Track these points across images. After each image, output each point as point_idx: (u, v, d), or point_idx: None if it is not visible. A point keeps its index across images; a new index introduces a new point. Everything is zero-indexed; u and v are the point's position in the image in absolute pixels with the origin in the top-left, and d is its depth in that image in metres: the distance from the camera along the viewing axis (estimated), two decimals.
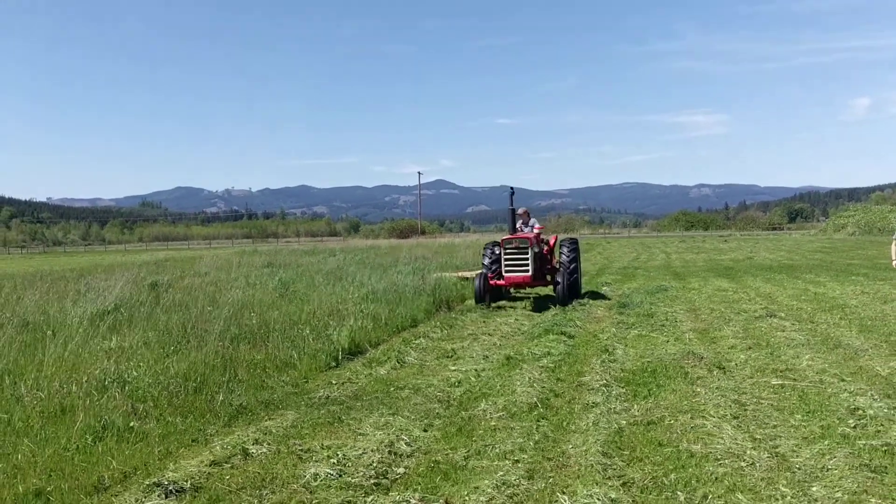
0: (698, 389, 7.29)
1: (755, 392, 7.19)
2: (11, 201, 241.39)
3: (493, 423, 6.39)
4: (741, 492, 4.65)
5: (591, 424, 6.26)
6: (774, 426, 6.05)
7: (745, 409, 6.57)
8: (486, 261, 15.70)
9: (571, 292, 14.90)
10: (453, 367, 8.89)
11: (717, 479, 4.88)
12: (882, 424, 5.88)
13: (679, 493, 4.67)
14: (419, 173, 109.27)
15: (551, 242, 16.51)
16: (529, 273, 14.28)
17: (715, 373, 8.07)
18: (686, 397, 7.01)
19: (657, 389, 7.39)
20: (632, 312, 13.34)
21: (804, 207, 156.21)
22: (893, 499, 4.45)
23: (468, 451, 5.64)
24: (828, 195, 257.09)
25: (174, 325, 10.81)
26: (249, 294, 15.23)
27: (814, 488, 4.68)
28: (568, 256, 15.37)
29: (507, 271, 14.51)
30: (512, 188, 15.85)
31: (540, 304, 15.05)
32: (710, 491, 4.67)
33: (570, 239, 16.37)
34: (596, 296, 16.51)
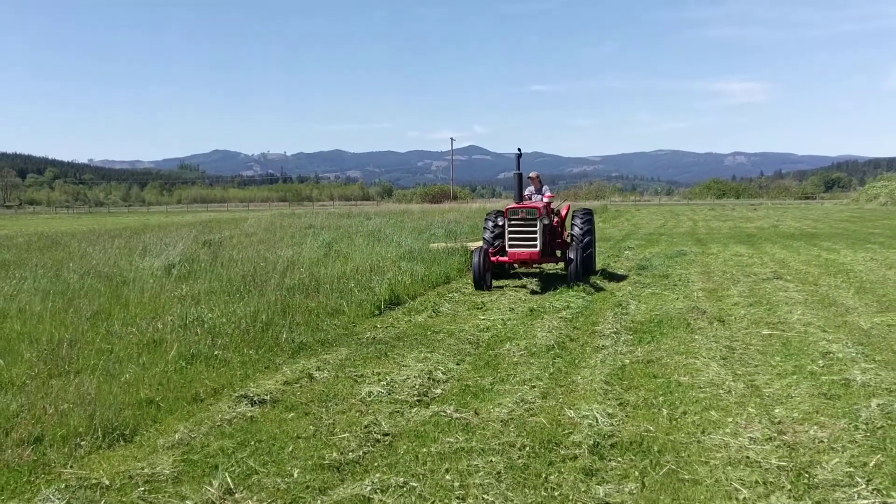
0: (696, 337, 8.36)
1: (746, 340, 8.24)
2: (54, 162, 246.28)
3: (515, 360, 7.54)
4: (714, 410, 5.74)
5: (598, 362, 7.38)
6: (755, 365, 7.11)
7: (734, 353, 7.63)
8: (488, 234, 13.86)
9: (585, 269, 13.17)
10: (482, 317, 10.04)
11: (696, 401, 5.98)
12: (846, 365, 6.91)
13: (664, 409, 5.78)
14: (451, 139, 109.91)
15: (563, 213, 14.66)
16: (538, 248, 12.44)
17: (714, 324, 9.11)
18: (684, 343, 8.09)
19: (660, 336, 8.48)
20: (649, 274, 14.35)
21: (841, 177, 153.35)
22: (838, 416, 5.51)
23: (494, 379, 6.81)
24: (866, 164, 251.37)
25: (235, 277, 12.14)
26: (297, 252, 16.49)
27: (776, 410, 5.74)
28: (581, 229, 13.71)
29: (511, 246, 12.63)
30: (519, 149, 13.83)
31: (548, 283, 13.12)
32: (688, 409, 5.78)
33: (584, 210, 14.70)
34: (618, 259, 17.50)
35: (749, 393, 6.20)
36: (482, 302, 11.25)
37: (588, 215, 14.27)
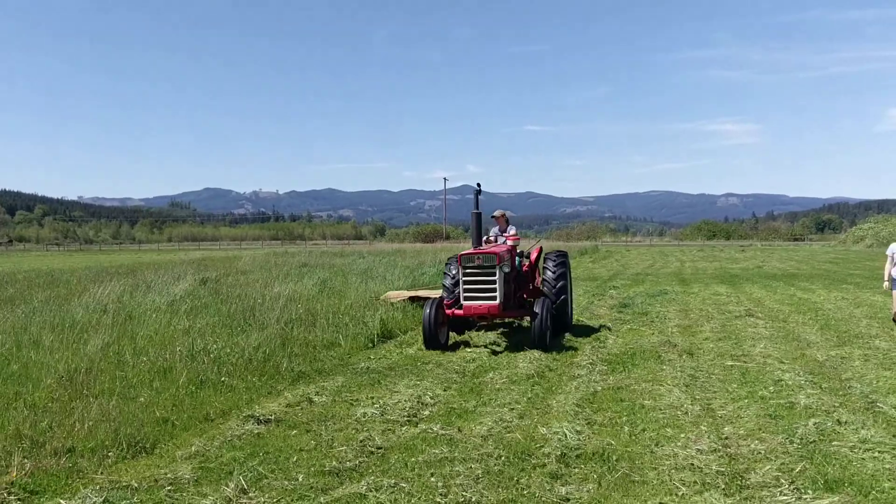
0: (664, 367, 9.11)
1: (709, 370, 8.98)
2: (44, 199, 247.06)
3: (497, 387, 8.26)
4: (670, 427, 6.47)
5: (573, 388, 8.10)
6: (714, 391, 7.85)
7: (696, 381, 8.36)
8: (448, 281, 12.16)
9: (556, 325, 11.55)
10: (469, 350, 10.75)
11: (655, 420, 6.71)
12: (793, 390, 7.66)
13: (626, 427, 6.51)
14: (444, 179, 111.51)
15: (533, 256, 12.89)
16: (498, 300, 10.60)
17: (683, 357, 9.85)
18: (652, 372, 8.84)
19: (632, 367, 9.22)
20: (629, 311, 15.12)
21: (832, 218, 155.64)
22: (778, 433, 6.23)
23: (477, 403, 7.52)
24: (857, 206, 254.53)
25: (235, 312, 12.84)
26: (293, 289, 17.20)
27: (725, 428, 6.47)
28: (554, 272, 12.03)
29: (466, 298, 10.79)
30: (479, 185, 12.24)
31: (517, 339, 11.51)
32: (647, 427, 6.50)
33: (558, 252, 12.86)
34: (602, 297, 18.29)
35: (703, 414, 6.93)
36: (469, 336, 11.97)
37: (562, 257, 12.52)
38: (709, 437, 6.11)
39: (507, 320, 13.07)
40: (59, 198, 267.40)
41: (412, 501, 4.80)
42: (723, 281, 24.19)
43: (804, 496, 4.76)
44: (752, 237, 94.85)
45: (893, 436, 6.06)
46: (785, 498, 4.75)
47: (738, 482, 5.07)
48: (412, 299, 15.02)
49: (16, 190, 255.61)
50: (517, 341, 11.10)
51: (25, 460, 5.50)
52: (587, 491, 4.98)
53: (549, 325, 10.47)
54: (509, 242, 12.03)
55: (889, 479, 5.05)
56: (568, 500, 4.85)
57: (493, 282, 10.68)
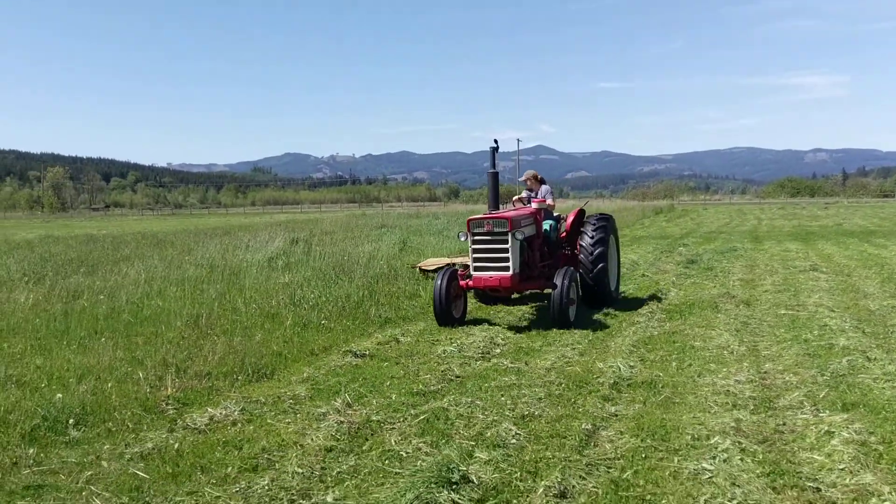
0: (719, 315, 9.87)
1: (762, 318, 9.69)
2: (136, 166, 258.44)
3: (561, 331, 9.21)
4: (715, 363, 7.31)
5: (630, 333, 9.00)
6: (762, 335, 8.60)
7: (747, 326, 9.12)
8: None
9: (593, 296, 10.73)
10: (537, 302, 11.70)
11: (703, 358, 7.56)
12: (835, 334, 8.33)
13: (674, 363, 7.39)
14: (518, 140, 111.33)
15: (569, 221, 11.41)
16: (510, 272, 9.49)
17: (740, 307, 10.55)
18: (707, 319, 9.62)
19: (688, 315, 10.02)
20: (695, 267, 15.72)
21: None
22: (811, 368, 6.99)
23: (542, 343, 8.52)
24: None
25: (326, 268, 14.16)
26: (375, 247, 18.49)
27: (766, 365, 7.26)
28: (592, 237, 10.74)
29: (476, 269, 9.74)
30: (496, 141, 11.05)
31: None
32: (694, 363, 7.36)
33: (600, 215, 11.42)
34: (670, 254, 18.85)
35: (748, 353, 7.73)
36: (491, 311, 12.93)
37: (603, 221, 11.15)
38: (748, 371, 6.93)
39: (527, 293, 11.49)
40: (150, 164, 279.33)
41: (485, 413, 5.87)
42: (797, 238, 24.23)
43: (821, 414, 5.57)
44: (838, 194, 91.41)
45: None
46: (805, 416, 5.58)
47: (766, 405, 5.92)
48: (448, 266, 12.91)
49: (110, 157, 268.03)
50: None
51: (175, 380, 6.85)
52: (633, 409, 5.94)
53: (571, 298, 9.36)
54: (533, 205, 10.88)
55: None
56: (616, 415, 5.82)
57: (506, 250, 9.48)
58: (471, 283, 9.82)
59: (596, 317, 10.07)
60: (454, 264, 12.11)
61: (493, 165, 10.94)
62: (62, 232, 38.65)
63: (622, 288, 12.60)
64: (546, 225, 10.92)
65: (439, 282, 9.66)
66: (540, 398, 6.28)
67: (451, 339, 8.79)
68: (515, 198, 11.42)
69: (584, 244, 10.78)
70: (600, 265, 10.58)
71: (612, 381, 6.71)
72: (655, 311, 10.39)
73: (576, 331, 9.13)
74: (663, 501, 4.16)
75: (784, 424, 5.41)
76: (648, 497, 4.22)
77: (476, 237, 9.74)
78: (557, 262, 11.05)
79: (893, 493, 4.11)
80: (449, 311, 9.70)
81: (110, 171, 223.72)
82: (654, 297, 11.63)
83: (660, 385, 6.59)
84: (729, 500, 4.05)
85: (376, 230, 28.09)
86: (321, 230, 28.15)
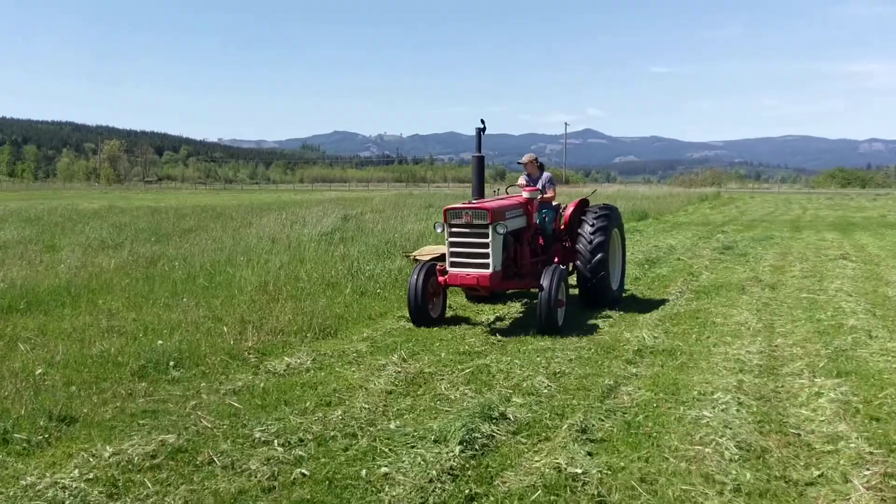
0: (744, 297, 10.59)
1: (783, 300, 10.39)
2: (188, 141, 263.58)
3: (590, 310, 10.06)
4: (731, 336, 8.10)
5: (658, 308, 9.80)
6: (779, 315, 9.34)
7: (768, 307, 9.84)
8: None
9: (590, 295, 9.82)
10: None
11: (721, 332, 8.35)
12: (847, 315, 9.02)
13: (694, 335, 8.21)
14: (566, 123, 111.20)
15: (568, 212, 10.33)
16: (489, 270, 8.53)
17: (766, 290, 11.24)
18: (731, 300, 10.37)
19: (715, 295, 10.76)
20: (730, 253, 16.32)
21: None
22: (818, 343, 7.73)
23: (577, 316, 9.39)
24: None
25: (379, 243, 15.21)
26: (424, 226, 19.47)
27: (778, 340, 8.02)
28: (592, 227, 9.71)
29: (452, 265, 8.81)
30: (483, 122, 10.27)
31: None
32: (712, 335, 8.17)
33: (602, 206, 10.35)
34: (707, 241, 19.42)
35: (763, 329, 8.50)
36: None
37: (605, 211, 10.10)
38: (760, 344, 7.71)
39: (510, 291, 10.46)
40: (202, 139, 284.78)
41: (522, 370, 6.79)
42: (836, 228, 24.45)
43: (816, 380, 6.36)
44: (891, 185, 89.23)
45: None
46: (802, 381, 6.37)
47: (770, 371, 6.73)
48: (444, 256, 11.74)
49: (163, 132, 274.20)
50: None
51: (254, 334, 7.93)
52: (651, 371, 6.81)
53: (559, 300, 8.39)
54: (524, 194, 9.67)
55: (889, 374, 6.54)
56: (636, 375, 6.69)
57: (485, 245, 8.53)
58: (447, 279, 8.84)
59: (627, 294, 10.89)
60: None
61: (479, 148, 10.05)
62: (123, 203, 40.58)
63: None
64: (541, 216, 10.04)
65: (415, 277, 8.73)
66: (570, 359, 7.18)
67: (493, 310, 9.75)
68: (510, 185, 10.72)
69: (582, 233, 9.73)
70: (599, 255, 9.52)
71: (636, 349, 7.57)
72: (685, 291, 11.15)
73: (606, 307, 9.94)
74: (666, 437, 5.05)
75: (782, 387, 6.23)
76: (654, 434, 5.11)
77: (453, 229, 8.75)
78: (553, 257, 10.13)
79: (860, 439, 4.92)
80: (425, 310, 8.73)
81: (163, 145, 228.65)
82: (685, 279, 12.37)
83: (678, 353, 7.43)
84: (720, 437, 4.91)
85: (424, 209, 29.04)
86: (371, 208, 29.24)
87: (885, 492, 4.16)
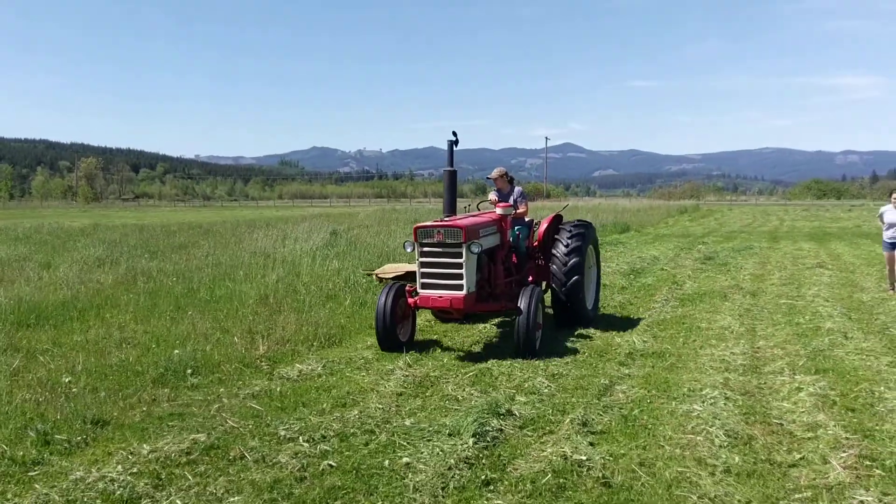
0: (726, 303, 11.12)
1: (763, 305, 10.93)
2: (165, 157, 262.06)
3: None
4: (716, 339, 8.59)
5: (647, 316, 10.29)
6: (760, 319, 9.85)
7: (749, 312, 10.36)
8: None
9: (565, 314, 9.47)
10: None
11: (706, 336, 8.84)
12: (824, 319, 9.56)
13: (681, 339, 8.69)
14: (546, 138, 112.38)
15: (542, 228, 10.13)
16: (463, 292, 8.02)
17: (747, 297, 11.77)
18: (715, 306, 10.88)
19: (699, 302, 11.27)
20: (711, 263, 16.90)
21: None
22: (797, 344, 8.23)
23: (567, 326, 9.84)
24: None
25: (371, 257, 15.58)
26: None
27: (759, 342, 8.52)
28: (566, 246, 9.40)
29: (424, 286, 8.29)
30: (455, 134, 9.59)
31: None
32: (698, 339, 8.66)
33: (577, 222, 10.10)
34: (689, 251, 20.02)
35: (746, 333, 9.00)
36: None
37: (580, 228, 9.81)
38: (743, 346, 8.20)
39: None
40: (178, 156, 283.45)
41: (522, 372, 7.21)
42: (813, 239, 25.21)
43: (796, 377, 6.84)
44: (865, 196, 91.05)
45: (885, 347, 7.99)
46: (783, 378, 6.85)
47: (753, 370, 7.21)
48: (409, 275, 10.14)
49: (139, 149, 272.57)
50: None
51: (263, 344, 8.28)
52: (643, 371, 7.26)
53: (537, 322, 8.04)
54: (497, 210, 9.12)
55: (864, 370, 7.04)
56: (629, 375, 7.14)
57: (458, 265, 8.03)
58: (418, 301, 8.37)
59: (616, 302, 11.36)
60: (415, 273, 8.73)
61: (451, 163, 9.43)
62: (105, 221, 40.59)
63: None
64: (514, 233, 9.63)
65: (383, 298, 8.25)
66: (567, 363, 7.62)
67: (493, 320, 10.15)
68: (480, 201, 10.14)
69: (556, 253, 9.41)
70: (574, 278, 9.21)
71: (627, 352, 8.03)
72: (670, 299, 11.66)
73: (600, 315, 10.40)
74: (660, 427, 5.49)
75: (765, 383, 6.70)
76: (649, 426, 5.55)
77: (424, 248, 8.25)
78: (527, 276, 9.76)
79: (837, 427, 5.39)
80: (394, 334, 8.23)
81: (139, 162, 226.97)
82: (669, 288, 12.89)
83: (667, 355, 7.90)
84: (710, 427, 5.37)
85: (410, 224, 29.42)
86: (357, 223, 29.62)
87: (860, 470, 4.62)
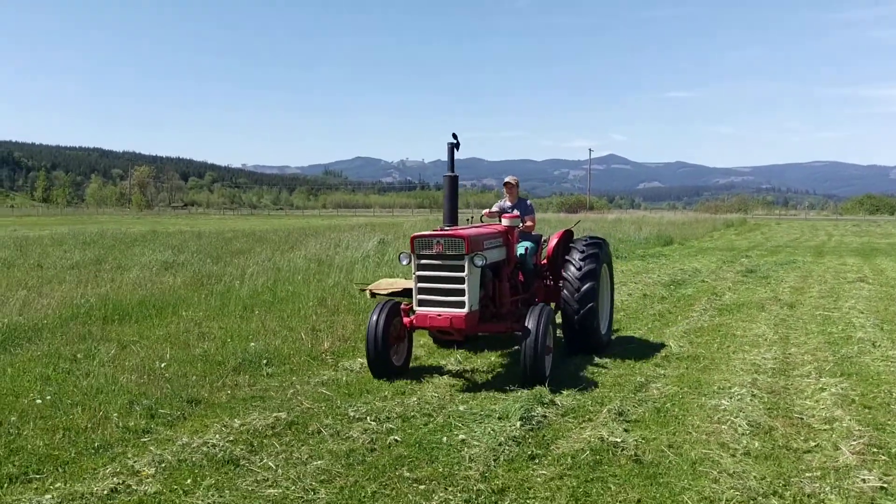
0: (763, 313, 11.58)
1: (799, 316, 11.36)
2: (213, 167, 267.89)
3: (621, 317, 11.09)
4: (749, 346, 9.11)
5: (684, 323, 10.82)
6: (795, 329, 10.31)
7: (785, 322, 10.82)
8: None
9: (577, 341, 8.66)
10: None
11: (741, 343, 9.36)
12: (856, 329, 9.98)
13: (715, 345, 9.23)
14: (590, 150, 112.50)
15: (551, 244, 9.38)
16: (464, 310, 7.29)
17: (784, 308, 12.20)
18: (752, 316, 11.36)
19: (736, 312, 11.76)
20: (753, 276, 17.26)
21: None
22: (826, 351, 8.70)
23: (614, 330, 10.43)
24: None
25: None
26: None
27: (791, 349, 9.00)
28: (578, 268, 8.57)
29: (421, 303, 7.60)
30: (455, 136, 8.60)
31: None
32: (732, 345, 9.18)
33: (590, 239, 9.15)
34: (731, 264, 20.33)
35: (779, 340, 9.49)
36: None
37: (594, 247, 8.90)
38: (775, 352, 8.72)
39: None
40: (226, 165, 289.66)
41: (562, 370, 7.86)
42: (859, 254, 25.20)
43: (822, 379, 7.35)
44: None
45: None
46: (809, 380, 7.37)
47: (782, 372, 7.74)
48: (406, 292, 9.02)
49: (188, 157, 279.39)
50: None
51: (327, 340, 9.08)
52: (678, 372, 7.86)
53: (547, 346, 7.29)
54: (504, 222, 8.50)
55: (887, 375, 7.52)
56: (664, 375, 7.73)
57: (460, 280, 7.30)
58: (414, 321, 7.58)
59: (654, 311, 11.91)
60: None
61: (452, 167, 8.52)
62: (160, 228, 42.29)
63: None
64: (521, 248, 8.88)
65: (375, 317, 7.47)
66: (606, 363, 8.25)
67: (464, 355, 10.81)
68: (485, 211, 9.54)
69: (568, 277, 8.58)
70: (589, 305, 8.39)
71: (663, 355, 8.62)
72: (708, 309, 12.15)
73: (639, 322, 10.99)
74: (689, 418, 6.10)
75: (791, 384, 7.24)
76: (679, 416, 6.17)
77: (422, 261, 7.52)
78: (534, 295, 9.04)
79: (852, 421, 5.93)
80: (387, 358, 7.45)
81: (188, 171, 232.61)
82: (709, 298, 13.36)
83: (701, 358, 8.47)
84: (734, 418, 5.96)
85: None
86: (404, 233, 30.49)
87: (867, 455, 5.17)
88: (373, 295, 9.55)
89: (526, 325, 7.18)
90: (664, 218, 54.98)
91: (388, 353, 7.50)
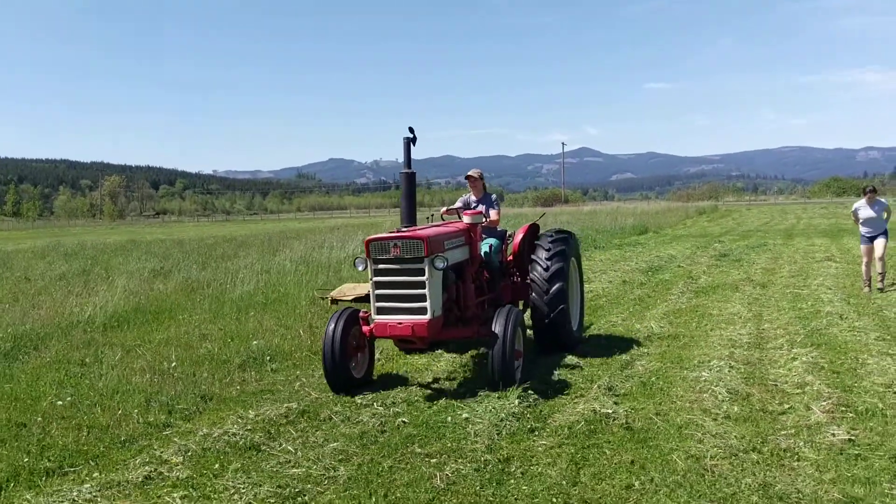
0: (737, 293, 12.14)
1: (771, 294, 11.94)
2: (183, 174, 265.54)
3: (603, 303, 11.59)
4: (725, 323, 9.64)
5: (663, 306, 11.35)
6: (767, 307, 10.88)
7: (758, 301, 11.38)
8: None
9: (546, 339, 8.29)
10: (594, 284, 14.08)
11: (717, 321, 9.89)
12: (824, 304, 10.58)
13: (693, 323, 9.76)
14: (563, 144, 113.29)
15: (517, 239, 8.92)
16: (426, 317, 6.78)
17: (757, 288, 12.78)
18: (726, 296, 11.92)
19: (713, 293, 12.32)
20: (726, 259, 17.90)
21: None
22: (797, 325, 9.25)
23: (594, 317, 10.92)
24: None
25: None
26: None
27: (765, 325, 9.55)
28: (545, 267, 8.17)
29: (380, 311, 7.00)
30: (412, 130, 7.94)
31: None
32: (710, 323, 9.72)
33: (557, 233, 8.73)
34: (705, 249, 20.99)
35: (753, 318, 10.04)
36: (593, 274, 15.30)
37: (561, 243, 8.47)
38: (749, 328, 9.26)
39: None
40: (197, 172, 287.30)
41: (551, 353, 8.31)
42: (827, 235, 26.05)
43: (793, 350, 7.89)
44: (884, 193, 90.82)
45: (875, 325, 9.01)
46: (781, 351, 7.90)
47: (757, 346, 8.27)
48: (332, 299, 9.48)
49: (158, 165, 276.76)
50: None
51: None
52: (660, 349, 8.35)
53: (517, 350, 6.87)
54: (465, 218, 7.89)
55: (853, 344, 8.08)
56: (647, 353, 8.22)
57: (421, 284, 6.81)
58: (374, 330, 7.07)
59: (634, 296, 12.43)
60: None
61: (409, 163, 7.87)
62: (137, 237, 42.16)
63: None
64: (486, 245, 8.36)
65: (332, 326, 7.04)
66: (592, 346, 8.71)
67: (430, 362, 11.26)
68: (443, 209, 9.01)
69: (536, 279, 8.18)
70: (560, 307, 8.02)
71: (645, 335, 9.12)
72: (685, 292, 12.70)
73: (620, 306, 11.49)
74: (673, 390, 6.59)
75: (765, 356, 7.77)
76: (664, 388, 6.65)
77: (379, 266, 6.97)
78: (501, 295, 8.51)
79: (821, 384, 6.46)
80: (345, 369, 6.98)
81: (158, 179, 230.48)
82: (685, 281, 13.92)
83: (681, 337, 8.98)
84: (714, 387, 6.46)
85: None
86: (385, 231, 30.83)
87: (836, 414, 5.69)
88: (334, 301, 9.16)
89: (493, 329, 6.74)
90: (638, 208, 55.83)
91: (347, 365, 7.01)
